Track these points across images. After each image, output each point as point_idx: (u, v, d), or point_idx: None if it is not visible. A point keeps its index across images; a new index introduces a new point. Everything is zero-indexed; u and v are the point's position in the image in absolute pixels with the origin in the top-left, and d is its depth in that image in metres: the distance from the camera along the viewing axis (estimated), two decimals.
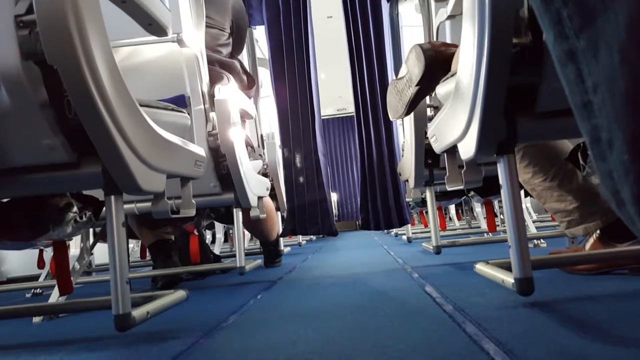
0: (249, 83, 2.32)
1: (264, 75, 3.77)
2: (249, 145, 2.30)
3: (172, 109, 1.28)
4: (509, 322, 0.90)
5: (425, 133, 1.77)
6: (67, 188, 1.15)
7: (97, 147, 0.85)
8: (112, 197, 0.93)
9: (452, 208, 4.75)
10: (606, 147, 0.36)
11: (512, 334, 0.81)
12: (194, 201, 1.29)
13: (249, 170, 1.87)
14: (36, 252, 2.87)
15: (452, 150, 1.16)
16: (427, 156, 1.92)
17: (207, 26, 1.97)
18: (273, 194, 3.08)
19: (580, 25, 0.35)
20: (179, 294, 1.26)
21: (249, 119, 2.31)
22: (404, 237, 3.78)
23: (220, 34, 2.17)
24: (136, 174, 0.89)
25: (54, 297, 1.59)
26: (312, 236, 5.71)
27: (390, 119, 1.52)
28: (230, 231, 4.29)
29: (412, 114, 1.78)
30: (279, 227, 2.95)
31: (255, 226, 2.54)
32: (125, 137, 0.86)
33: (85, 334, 1.28)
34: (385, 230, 4.60)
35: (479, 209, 3.46)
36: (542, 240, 2.42)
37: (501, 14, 0.78)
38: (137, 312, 0.97)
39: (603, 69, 0.34)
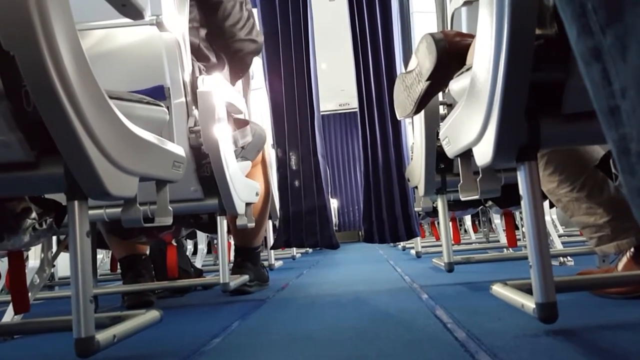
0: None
1: (256, 65, 3.75)
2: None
3: (148, 102, 1.27)
4: (528, 352, 0.90)
5: (437, 134, 1.77)
6: (24, 191, 1.15)
7: (58, 145, 0.84)
8: (76, 203, 0.92)
9: (467, 218, 4.74)
10: (636, 160, 0.35)
11: None
12: (171, 208, 1.28)
13: (235, 172, 1.86)
14: None
15: (467, 154, 1.16)
16: (439, 160, 1.91)
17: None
18: None
19: (606, 19, 0.35)
20: (152, 314, 1.25)
21: (238, 115, 2.31)
22: (413, 252, 3.78)
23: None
24: (103, 176, 0.89)
25: (9, 315, 1.58)
26: (308, 248, 5.71)
27: (398, 117, 1.52)
28: (215, 241, 4.28)
29: (422, 112, 1.78)
30: (265, 233, 2.85)
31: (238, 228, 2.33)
32: (92, 134, 0.86)
33: (42, 359, 1.27)
34: (392, 243, 4.60)
35: (498, 220, 3.45)
36: (569, 258, 2.41)
37: (523, 0, 0.77)
38: (102, 336, 0.96)
39: (632, 71, 0.34)
